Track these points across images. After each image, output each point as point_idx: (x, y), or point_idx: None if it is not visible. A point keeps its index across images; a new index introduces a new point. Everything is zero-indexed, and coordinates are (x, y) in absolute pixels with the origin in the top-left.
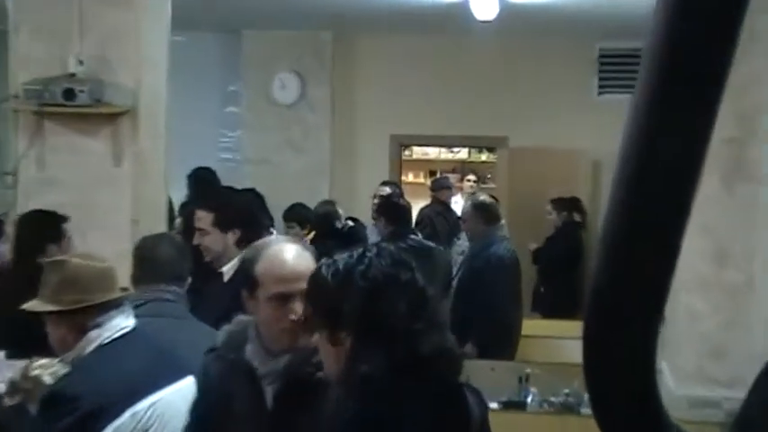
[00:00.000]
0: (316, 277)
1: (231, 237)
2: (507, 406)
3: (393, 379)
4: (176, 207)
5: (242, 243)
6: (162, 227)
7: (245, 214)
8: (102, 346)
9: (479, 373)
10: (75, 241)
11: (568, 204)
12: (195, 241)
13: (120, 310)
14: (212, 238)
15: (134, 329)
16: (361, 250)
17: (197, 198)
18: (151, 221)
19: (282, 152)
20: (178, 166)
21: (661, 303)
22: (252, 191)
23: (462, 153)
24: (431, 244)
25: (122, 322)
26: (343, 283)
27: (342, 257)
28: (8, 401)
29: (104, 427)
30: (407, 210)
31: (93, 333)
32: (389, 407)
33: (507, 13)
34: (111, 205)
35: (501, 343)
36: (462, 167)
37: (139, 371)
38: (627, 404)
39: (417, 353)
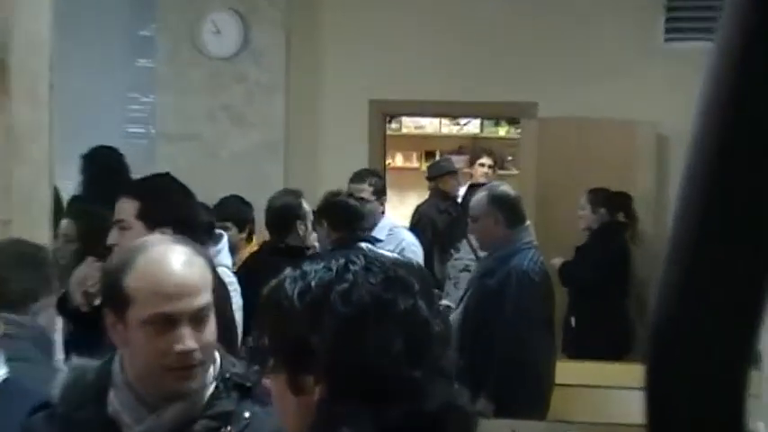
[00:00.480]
0: (276, 295)
1: None
2: None
3: None
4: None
5: None
6: (44, 229)
7: (182, 209)
8: None
9: None
10: None
11: (612, 201)
12: (110, 240)
13: None
14: (134, 236)
15: (6, 380)
16: (342, 261)
17: (93, 189)
18: (29, 221)
19: (216, 124)
20: (68, 145)
21: (753, 333)
22: (166, 176)
23: (472, 126)
24: (396, 256)
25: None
26: (316, 306)
27: (314, 269)
28: None
29: None
30: (357, 211)
31: None
32: None
33: None
34: None
35: (527, 395)
36: (472, 146)
37: None
38: None
39: (418, 411)
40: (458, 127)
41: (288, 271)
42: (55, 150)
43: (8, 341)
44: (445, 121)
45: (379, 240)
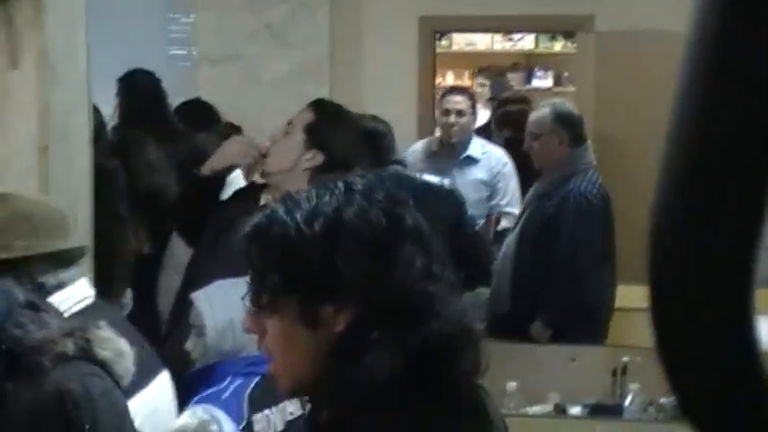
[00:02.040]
0: (274, 228)
1: None
2: (596, 411)
3: (420, 373)
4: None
5: None
6: (84, 155)
7: (346, 151)
8: None
9: (555, 364)
10: None
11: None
12: (271, 138)
13: (83, 270)
14: (289, 143)
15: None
16: (341, 184)
17: (129, 115)
18: (67, 148)
19: (259, 44)
20: (108, 69)
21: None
22: (358, 115)
23: (526, 42)
24: (428, 179)
25: (87, 289)
26: (332, 232)
27: (309, 196)
28: None
29: None
30: (378, 132)
31: (52, 298)
32: (418, 419)
33: None
34: (6, 126)
35: (585, 320)
36: (527, 62)
37: None
38: (719, 380)
39: (440, 331)
40: (511, 43)
41: (271, 205)
42: (92, 74)
43: None
44: (497, 36)
45: (475, 160)
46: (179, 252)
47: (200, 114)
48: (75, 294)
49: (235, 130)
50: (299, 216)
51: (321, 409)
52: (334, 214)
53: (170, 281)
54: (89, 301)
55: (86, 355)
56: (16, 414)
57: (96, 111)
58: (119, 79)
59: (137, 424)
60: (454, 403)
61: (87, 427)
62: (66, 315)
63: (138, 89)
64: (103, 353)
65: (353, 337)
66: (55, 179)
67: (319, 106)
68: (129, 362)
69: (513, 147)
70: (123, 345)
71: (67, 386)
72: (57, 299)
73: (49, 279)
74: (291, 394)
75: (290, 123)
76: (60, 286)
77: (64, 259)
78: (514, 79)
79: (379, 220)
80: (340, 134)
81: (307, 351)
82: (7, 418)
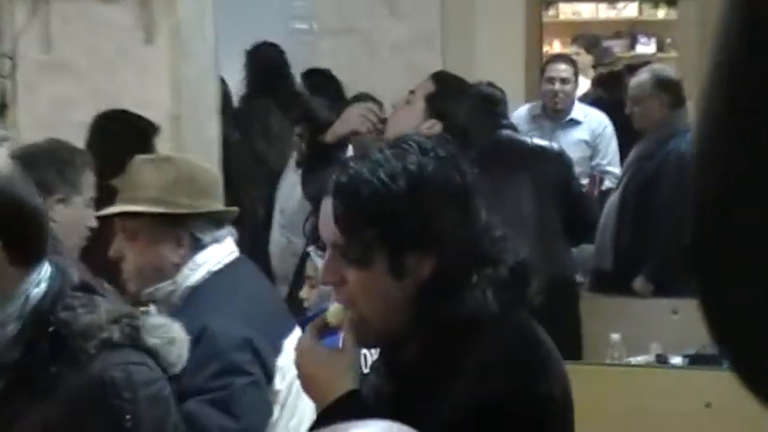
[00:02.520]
0: (363, 185)
1: None
2: (696, 361)
3: (501, 307)
4: (235, 97)
5: None
6: (213, 122)
7: (464, 119)
8: (215, 274)
9: (657, 317)
10: None
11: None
12: (393, 107)
13: (231, 230)
14: (409, 113)
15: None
16: (413, 143)
17: (256, 86)
18: (197, 117)
19: (375, 17)
20: (232, 42)
21: None
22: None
23: (630, 9)
24: (539, 142)
25: (233, 245)
26: (418, 186)
27: (384, 155)
28: None
29: None
30: (498, 99)
31: (205, 253)
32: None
33: None
34: (141, 96)
35: (687, 276)
36: (631, 30)
37: (265, 311)
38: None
39: (516, 265)
40: (615, 11)
41: (350, 164)
42: (220, 49)
43: None
44: (602, 5)
45: (577, 122)
46: (289, 214)
47: (324, 82)
48: (225, 249)
49: (370, 99)
50: (383, 174)
51: (408, 354)
52: (417, 170)
53: (280, 240)
54: (235, 255)
55: (133, 342)
56: (61, 397)
57: (223, 82)
58: (246, 52)
59: (286, 382)
60: (532, 327)
61: (128, 417)
62: (219, 266)
63: (264, 61)
64: (152, 340)
65: (438, 284)
66: (187, 145)
67: (440, 77)
68: (181, 348)
69: (603, 107)
70: (176, 330)
71: (110, 374)
72: (210, 253)
73: (206, 236)
74: (376, 341)
75: (411, 92)
76: (214, 242)
77: (218, 220)
78: (618, 46)
79: (454, 175)
80: (458, 105)
81: (394, 299)
82: (53, 400)
